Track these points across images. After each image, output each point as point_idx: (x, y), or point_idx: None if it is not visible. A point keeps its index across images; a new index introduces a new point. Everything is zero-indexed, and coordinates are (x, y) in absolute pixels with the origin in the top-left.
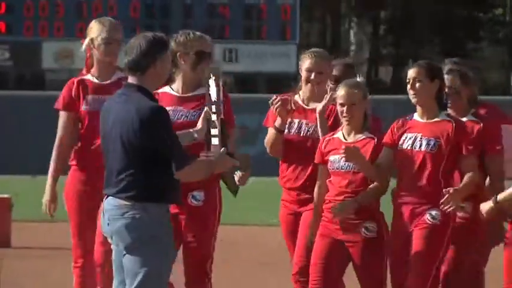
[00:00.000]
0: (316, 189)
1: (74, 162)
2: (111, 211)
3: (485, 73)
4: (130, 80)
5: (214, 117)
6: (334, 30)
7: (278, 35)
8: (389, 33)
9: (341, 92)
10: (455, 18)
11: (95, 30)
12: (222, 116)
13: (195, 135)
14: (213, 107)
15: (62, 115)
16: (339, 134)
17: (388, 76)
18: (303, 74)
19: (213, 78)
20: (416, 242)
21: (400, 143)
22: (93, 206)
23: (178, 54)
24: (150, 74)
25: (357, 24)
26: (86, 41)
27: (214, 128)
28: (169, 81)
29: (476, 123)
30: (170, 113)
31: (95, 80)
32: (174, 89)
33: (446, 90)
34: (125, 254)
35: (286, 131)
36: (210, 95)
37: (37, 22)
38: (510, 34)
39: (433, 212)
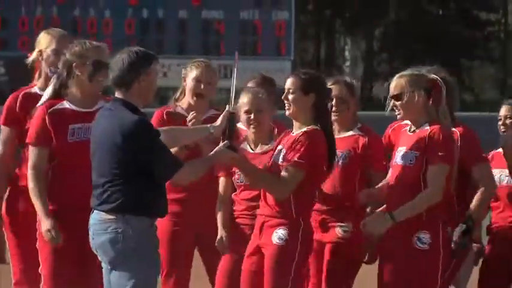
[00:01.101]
0: (218, 204)
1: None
2: (95, 226)
3: (479, 90)
4: (117, 94)
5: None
6: (329, 46)
7: (273, 51)
8: (383, 50)
9: (244, 98)
10: (449, 36)
11: (43, 41)
12: (233, 110)
13: (211, 130)
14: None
15: (4, 130)
16: (244, 145)
17: (382, 93)
18: (190, 84)
19: (235, 73)
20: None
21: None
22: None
23: (74, 64)
24: (135, 89)
25: (351, 40)
26: (34, 53)
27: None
28: (60, 95)
29: (362, 137)
30: (79, 130)
31: (43, 94)
32: (73, 102)
33: (334, 100)
34: (110, 270)
35: None
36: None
37: (32, 37)
38: (504, 52)
39: (280, 232)
